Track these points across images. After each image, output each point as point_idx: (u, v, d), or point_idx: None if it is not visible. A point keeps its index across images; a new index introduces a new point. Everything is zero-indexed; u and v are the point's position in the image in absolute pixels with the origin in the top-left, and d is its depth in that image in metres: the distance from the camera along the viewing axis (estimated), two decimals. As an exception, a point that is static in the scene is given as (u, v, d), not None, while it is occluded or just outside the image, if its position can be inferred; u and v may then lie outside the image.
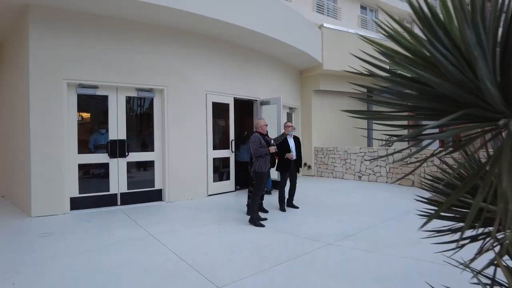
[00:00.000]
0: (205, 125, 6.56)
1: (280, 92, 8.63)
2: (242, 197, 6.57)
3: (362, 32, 9.96)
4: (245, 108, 8.52)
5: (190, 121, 6.31)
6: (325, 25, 9.25)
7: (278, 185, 5.55)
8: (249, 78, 7.51)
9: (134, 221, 4.66)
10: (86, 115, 5.73)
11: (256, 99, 7.67)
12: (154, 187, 6.06)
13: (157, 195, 6.09)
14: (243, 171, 7.00)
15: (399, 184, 7.88)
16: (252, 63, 7.59)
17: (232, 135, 7.09)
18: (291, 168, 5.40)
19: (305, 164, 10.05)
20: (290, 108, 9.74)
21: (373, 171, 8.60)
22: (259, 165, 4.54)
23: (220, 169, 7.06)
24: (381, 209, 5.38)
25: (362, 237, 3.91)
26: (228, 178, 7.10)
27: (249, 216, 4.65)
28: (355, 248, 3.49)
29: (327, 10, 13.12)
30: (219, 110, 7.05)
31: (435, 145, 8.00)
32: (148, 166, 6.09)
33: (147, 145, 6.10)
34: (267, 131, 5.16)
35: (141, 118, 6.17)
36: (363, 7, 14.75)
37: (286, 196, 5.49)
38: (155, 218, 4.87)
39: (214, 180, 6.76)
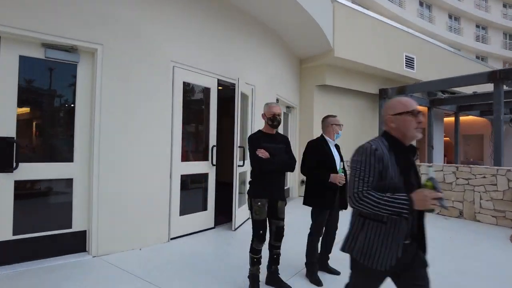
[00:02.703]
0: (171, 120, 3.93)
1: (278, 83, 6.19)
2: (227, 240, 3.99)
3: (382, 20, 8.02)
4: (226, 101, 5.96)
5: (144, 112, 3.64)
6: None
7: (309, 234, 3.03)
8: (241, 58, 5.01)
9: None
10: None
11: (251, 87, 5.17)
12: (70, 228, 3.28)
13: (75, 244, 3.30)
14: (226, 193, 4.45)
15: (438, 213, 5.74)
16: (244, 35, 5.10)
17: (213, 139, 4.49)
18: (334, 202, 2.94)
19: (302, 181, 7.65)
20: (288, 108, 7.34)
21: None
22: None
23: (191, 194, 4.41)
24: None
25: None
26: (204, 207, 4.46)
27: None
28: None
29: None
30: (194, 97, 4.45)
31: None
32: (60, 189, 3.31)
33: (60, 150, 3.32)
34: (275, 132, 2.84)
35: (51, 100, 3.37)
36: None
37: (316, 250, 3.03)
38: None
39: (182, 212, 4.09)
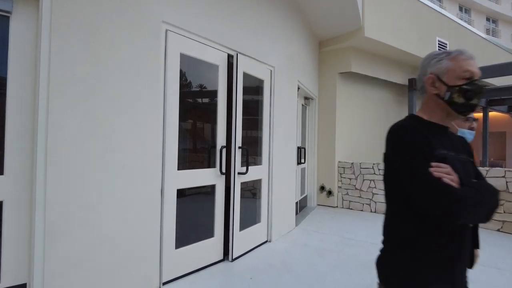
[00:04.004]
0: (162, 109, 2.67)
1: (300, 67, 4.96)
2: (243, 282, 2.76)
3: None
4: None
5: (120, 95, 2.36)
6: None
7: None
8: (258, 31, 3.75)
9: None
10: None
11: (269, 68, 3.94)
12: (-1, 279, 2.03)
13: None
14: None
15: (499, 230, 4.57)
16: (265, 3, 3.85)
17: (222, 138, 3.23)
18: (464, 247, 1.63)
19: (322, 188, 6.44)
20: (306, 99, 6.10)
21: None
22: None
23: (192, 215, 3.16)
24: None
25: None
26: (210, 233, 3.21)
27: None
28: None
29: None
30: (196, 77, 3.19)
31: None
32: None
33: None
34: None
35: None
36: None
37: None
38: None
39: (180, 244, 2.82)
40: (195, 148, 3.20)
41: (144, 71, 2.48)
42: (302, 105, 5.85)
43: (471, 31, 8.41)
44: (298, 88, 4.93)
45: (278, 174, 4.14)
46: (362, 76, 6.71)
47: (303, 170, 5.91)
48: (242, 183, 3.47)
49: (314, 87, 6.16)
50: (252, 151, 3.77)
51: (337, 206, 6.31)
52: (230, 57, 3.33)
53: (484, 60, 7.97)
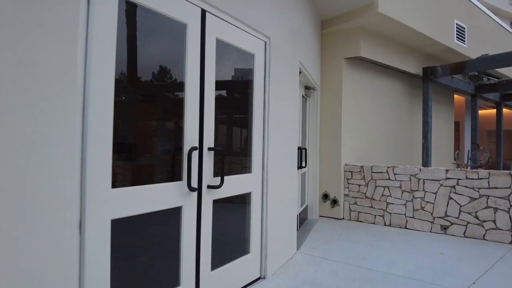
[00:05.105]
0: (82, 79, 1.57)
1: (302, 45, 3.88)
2: None
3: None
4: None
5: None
6: None
7: None
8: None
9: None
10: None
11: (262, 39, 2.86)
12: None
13: None
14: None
15: None
16: None
17: (192, 133, 2.15)
18: None
19: (325, 196, 5.40)
20: (307, 89, 5.04)
21: (476, 216, 4.26)
22: None
23: (140, 264, 2.06)
24: None
25: None
26: (176, 281, 2.11)
27: None
28: None
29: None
30: (152, 42, 2.07)
31: None
32: None
33: None
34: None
35: None
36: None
37: None
38: None
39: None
40: (150, 150, 2.09)
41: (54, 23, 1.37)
42: (302, 96, 4.79)
43: (491, 17, 7.48)
44: (300, 72, 3.87)
45: (275, 183, 3.07)
46: (371, 64, 5.69)
47: (303, 175, 4.86)
48: (219, 201, 2.38)
49: (317, 74, 5.10)
50: (237, 154, 2.70)
51: (343, 218, 5.28)
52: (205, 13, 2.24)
53: (503, 48, 7.07)
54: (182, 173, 2.07)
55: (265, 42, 2.91)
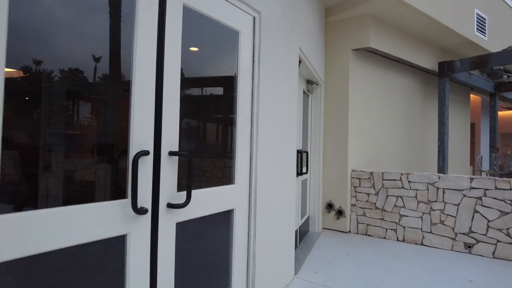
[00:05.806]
0: None
1: (302, 29, 3.27)
2: None
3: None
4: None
5: None
6: None
7: None
8: None
9: None
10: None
11: (250, 13, 2.25)
12: None
13: None
14: None
15: None
16: None
17: (142, 132, 1.55)
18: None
19: (329, 206, 4.76)
20: (309, 83, 4.43)
21: (508, 234, 3.61)
22: None
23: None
24: None
25: None
26: None
27: None
28: None
29: None
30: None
31: None
32: None
33: None
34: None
35: None
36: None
37: None
38: None
39: None
40: (84, 154, 1.48)
41: None
42: (304, 91, 4.18)
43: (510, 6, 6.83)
44: (300, 61, 3.25)
45: (267, 196, 2.45)
46: (381, 57, 5.07)
47: (304, 182, 4.24)
48: (188, 222, 1.78)
49: (321, 67, 4.48)
50: (215, 160, 2.10)
51: (349, 231, 4.64)
52: (166, -29, 1.64)
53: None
54: (127, 190, 1.47)
55: (254, 18, 2.30)
